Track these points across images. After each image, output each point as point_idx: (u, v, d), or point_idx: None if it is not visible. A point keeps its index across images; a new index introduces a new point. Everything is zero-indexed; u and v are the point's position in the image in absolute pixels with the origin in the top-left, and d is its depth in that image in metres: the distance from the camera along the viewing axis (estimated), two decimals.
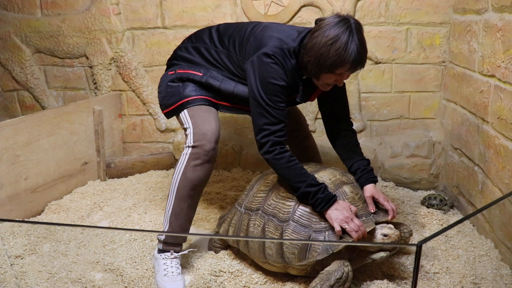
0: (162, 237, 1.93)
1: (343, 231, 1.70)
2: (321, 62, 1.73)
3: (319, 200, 1.75)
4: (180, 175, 1.91)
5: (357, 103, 2.93)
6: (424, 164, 2.82)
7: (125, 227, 2.35)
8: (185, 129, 1.98)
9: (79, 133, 2.80)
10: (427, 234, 2.22)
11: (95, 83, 3.15)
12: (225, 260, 2.01)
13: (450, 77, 2.71)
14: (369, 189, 1.93)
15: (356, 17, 2.78)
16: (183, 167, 1.91)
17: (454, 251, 2.06)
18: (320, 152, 2.53)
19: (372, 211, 1.85)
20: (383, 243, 1.74)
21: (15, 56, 3.19)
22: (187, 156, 1.91)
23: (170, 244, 1.92)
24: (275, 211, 1.85)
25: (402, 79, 2.87)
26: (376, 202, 1.90)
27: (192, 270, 1.96)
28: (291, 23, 2.88)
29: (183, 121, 1.99)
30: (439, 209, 2.48)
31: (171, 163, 3.20)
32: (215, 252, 2.10)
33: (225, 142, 3.11)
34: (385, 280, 1.76)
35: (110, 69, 3.11)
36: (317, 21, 1.81)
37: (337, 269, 1.65)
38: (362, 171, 1.98)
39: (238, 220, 1.99)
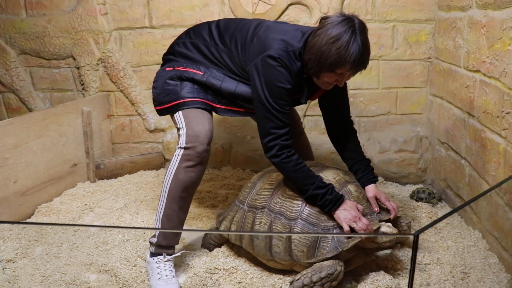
0: (154, 240, 1.92)
1: (352, 230, 1.73)
2: (322, 61, 1.72)
3: (328, 201, 1.77)
4: (171, 177, 1.90)
5: (348, 99, 2.95)
6: (412, 158, 2.87)
7: (117, 228, 2.34)
8: (178, 129, 1.97)
9: (68, 134, 2.77)
10: (417, 227, 2.26)
11: (82, 84, 3.12)
12: (219, 258, 2.02)
13: (436, 73, 2.76)
14: (371, 189, 1.97)
15: None
16: (175, 168, 1.90)
17: (443, 243, 2.10)
18: None
19: (376, 211, 1.89)
20: (383, 234, 1.77)
21: None
22: (179, 158, 1.89)
23: (163, 247, 1.91)
24: (282, 209, 1.86)
25: (389, 76, 2.92)
26: (378, 201, 1.95)
27: (187, 269, 1.97)
28: (278, 21, 2.89)
29: (176, 121, 1.98)
30: (427, 202, 2.53)
31: (161, 163, 3.20)
32: (209, 250, 2.11)
33: (214, 140, 3.12)
34: (381, 271, 1.80)
35: (98, 69, 3.09)
36: (322, 19, 1.79)
37: (331, 265, 1.68)
38: (364, 171, 2.02)
39: (241, 218, 1.98)
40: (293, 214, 1.83)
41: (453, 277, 1.83)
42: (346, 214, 1.75)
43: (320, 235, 1.77)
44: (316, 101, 2.16)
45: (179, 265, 2.00)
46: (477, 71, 2.16)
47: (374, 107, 2.98)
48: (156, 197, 2.71)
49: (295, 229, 1.80)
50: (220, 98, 2.01)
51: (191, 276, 1.90)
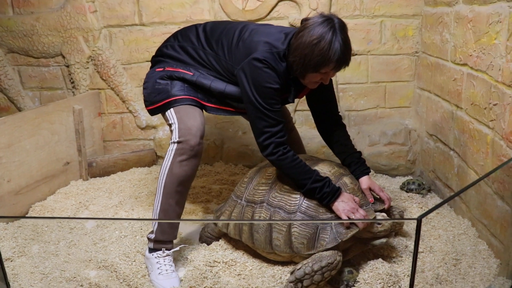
0: (152, 236, 1.94)
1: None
2: (306, 62, 1.77)
3: (326, 194, 1.82)
4: (166, 172, 1.92)
5: (335, 94, 3.00)
6: (401, 151, 2.94)
7: (114, 224, 2.35)
8: (170, 125, 1.99)
9: (60, 133, 2.76)
10: (409, 216, 2.33)
11: (72, 82, 3.11)
12: (217, 251, 2.05)
13: (423, 66, 2.83)
14: (365, 181, 2.03)
15: (332, 11, 2.88)
16: (169, 163, 1.92)
17: (435, 232, 2.17)
18: None
19: (371, 201, 1.96)
20: (385, 219, 1.83)
21: None
22: (173, 152, 1.92)
23: (161, 242, 1.93)
24: (281, 203, 1.90)
25: (377, 70, 2.98)
26: (372, 192, 2.02)
27: (186, 263, 2.00)
28: (268, 17, 2.93)
29: (168, 117, 2.00)
30: (417, 193, 2.60)
31: (153, 160, 3.21)
32: (207, 244, 2.14)
33: (206, 137, 3.14)
34: (379, 259, 1.85)
35: (88, 67, 3.08)
36: (303, 21, 1.84)
37: (331, 255, 1.73)
38: (356, 164, 2.08)
39: (240, 213, 2.01)
40: (292, 207, 1.87)
41: (445, 263, 1.90)
42: (344, 205, 1.80)
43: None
44: (305, 98, 2.20)
45: (178, 259, 2.03)
46: (465, 64, 2.23)
47: (363, 101, 3.04)
48: (151, 193, 2.73)
49: (294, 222, 1.84)
50: (210, 97, 2.04)
51: (191, 269, 1.92)
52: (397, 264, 1.90)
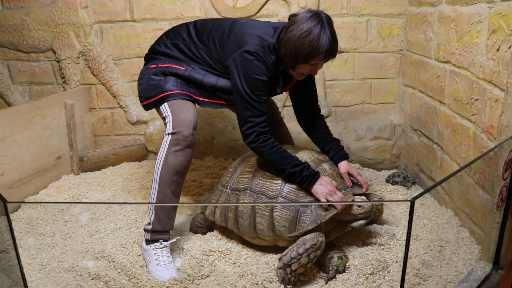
0: (149, 227, 1.99)
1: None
2: (297, 54, 1.87)
3: (305, 177, 1.91)
4: (162, 162, 1.98)
5: (322, 90, 3.10)
6: (386, 145, 3.05)
7: (108, 217, 2.39)
8: (164, 118, 2.05)
9: (52, 127, 2.78)
10: (395, 208, 2.43)
11: (63, 77, 3.12)
12: (213, 241, 2.12)
13: (408, 64, 2.94)
14: (343, 165, 2.12)
15: (320, 9, 2.95)
16: (164, 153, 1.98)
17: (420, 221, 2.28)
18: None
19: (349, 185, 2.04)
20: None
21: None
22: (168, 143, 1.98)
23: (158, 232, 1.98)
24: (263, 189, 2.00)
25: (363, 67, 3.08)
26: (350, 176, 2.10)
27: (183, 253, 2.06)
28: (258, 15, 2.99)
29: (162, 111, 2.06)
30: (402, 186, 2.70)
31: (144, 155, 3.24)
32: (194, 233, 2.22)
33: (197, 131, 3.18)
34: (369, 246, 1.95)
35: (79, 62, 3.09)
36: (291, 17, 1.94)
37: (313, 237, 1.83)
38: (335, 150, 2.18)
39: (225, 200, 2.10)
40: (274, 193, 1.98)
41: (431, 250, 2.00)
42: (323, 188, 1.91)
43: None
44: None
45: (174, 249, 2.08)
46: (448, 62, 2.33)
47: (350, 97, 3.14)
48: (143, 187, 2.77)
49: (277, 207, 1.94)
50: (202, 91, 2.12)
51: (188, 258, 1.98)
52: (385, 251, 1.99)
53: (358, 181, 2.12)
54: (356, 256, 1.90)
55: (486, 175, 1.95)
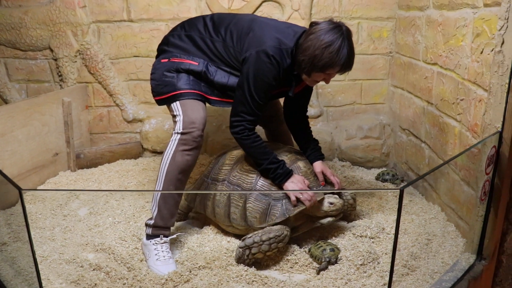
0: (152, 222, 2.04)
1: (298, 200, 2.02)
2: (315, 62, 1.93)
3: (278, 175, 2.05)
4: (169, 160, 2.03)
5: (314, 90, 3.19)
6: (376, 144, 3.15)
7: (106, 212, 2.44)
8: (174, 116, 2.09)
9: (50, 124, 2.83)
10: (384, 204, 2.52)
11: (60, 76, 3.17)
12: (209, 234, 2.19)
13: (397, 66, 3.05)
14: (318, 165, 2.23)
15: (313, 12, 3.06)
16: (172, 152, 2.03)
17: (408, 216, 2.37)
18: None
19: (322, 184, 2.17)
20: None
21: None
22: (176, 142, 2.03)
23: (160, 227, 2.03)
24: (239, 181, 2.14)
25: (354, 68, 3.04)
26: (324, 176, 2.21)
27: (181, 245, 2.12)
28: None
29: (173, 109, 2.10)
30: (392, 183, 2.81)
31: (139, 152, 3.30)
32: (178, 220, 2.34)
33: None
34: (359, 238, 2.07)
35: (76, 61, 3.14)
36: (313, 24, 2.01)
37: (279, 229, 1.97)
38: (312, 150, 2.28)
39: (205, 189, 2.26)
40: (248, 185, 2.11)
41: (418, 243, 2.10)
42: (293, 186, 2.04)
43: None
44: None
45: (172, 242, 2.14)
46: (435, 63, 2.44)
47: (341, 97, 3.23)
48: (139, 183, 2.83)
49: (250, 199, 2.08)
50: (213, 89, 2.16)
51: (186, 250, 2.05)
52: (376, 244, 2.08)
53: (331, 181, 2.20)
54: (348, 248, 1.99)
55: (470, 171, 2.05)
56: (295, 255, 2.02)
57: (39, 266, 1.97)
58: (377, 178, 2.89)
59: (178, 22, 2.41)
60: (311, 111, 3.17)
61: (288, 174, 2.06)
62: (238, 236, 2.16)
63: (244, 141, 2.06)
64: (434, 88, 2.46)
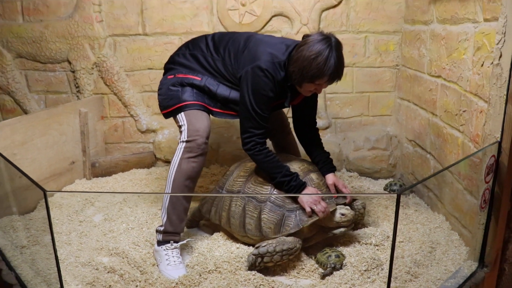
0: (162, 228, 2.12)
1: (312, 211, 2.08)
2: (304, 73, 2.02)
3: (292, 187, 2.11)
4: (176, 167, 2.13)
5: (323, 102, 3.27)
6: (383, 155, 3.21)
7: (120, 218, 2.54)
8: (180, 126, 2.20)
9: (67, 133, 2.95)
10: (390, 213, 2.57)
11: (77, 87, 3.30)
12: (219, 241, 2.27)
13: (403, 78, 3.12)
14: (330, 177, 2.31)
15: (321, 26, 3.15)
16: (178, 159, 2.13)
17: (413, 225, 2.42)
18: None
19: (334, 196, 2.23)
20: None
21: None
22: (182, 150, 2.14)
23: (170, 233, 2.12)
24: (254, 192, 2.20)
25: (362, 81, 3.25)
26: (336, 187, 2.29)
27: (191, 251, 2.20)
28: (263, 31, 3.18)
29: (179, 119, 2.21)
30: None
31: (152, 162, 3.40)
32: (191, 227, 2.42)
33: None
34: (363, 245, 2.12)
35: (93, 73, 3.27)
36: (304, 37, 2.10)
37: (293, 241, 2.02)
38: (324, 162, 2.35)
39: (220, 200, 2.31)
40: (263, 197, 2.16)
41: (422, 251, 2.15)
42: (307, 198, 2.09)
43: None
44: None
45: (182, 248, 2.22)
46: (439, 76, 2.51)
47: (349, 109, 3.31)
48: (152, 192, 2.92)
49: (264, 210, 2.14)
50: (216, 102, 2.27)
51: (196, 255, 2.13)
52: (380, 251, 2.14)
53: (343, 192, 2.27)
54: (353, 254, 2.05)
55: (473, 181, 2.10)
56: (302, 260, 2.09)
57: (56, 268, 2.07)
58: (385, 189, 2.94)
59: (191, 36, 2.53)
60: (319, 122, 3.25)
61: (302, 186, 2.13)
62: (247, 243, 2.23)
63: (257, 157, 2.14)
64: (438, 100, 2.52)
